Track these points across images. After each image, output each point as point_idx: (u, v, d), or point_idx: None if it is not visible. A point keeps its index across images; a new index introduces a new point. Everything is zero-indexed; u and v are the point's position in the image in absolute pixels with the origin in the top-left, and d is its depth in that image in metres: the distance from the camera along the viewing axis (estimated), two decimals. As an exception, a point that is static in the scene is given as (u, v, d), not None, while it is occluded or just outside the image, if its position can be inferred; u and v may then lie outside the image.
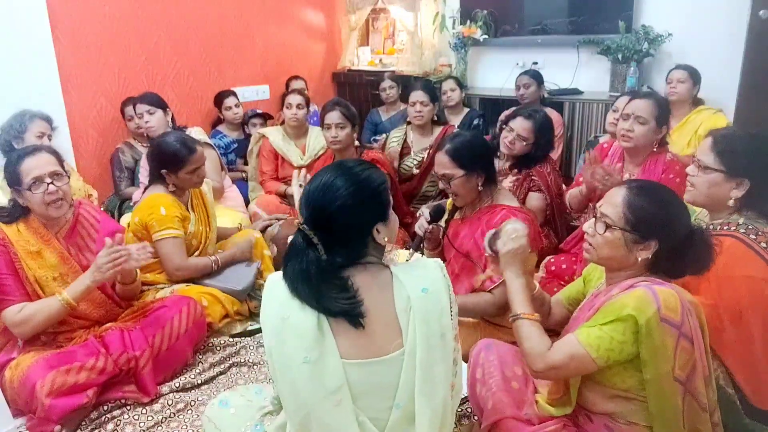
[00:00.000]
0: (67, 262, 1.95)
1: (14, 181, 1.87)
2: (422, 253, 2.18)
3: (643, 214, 1.33)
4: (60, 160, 1.95)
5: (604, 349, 1.27)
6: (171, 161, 2.33)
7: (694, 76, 3.21)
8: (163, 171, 2.35)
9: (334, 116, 2.90)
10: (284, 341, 1.12)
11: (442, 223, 2.15)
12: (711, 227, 1.62)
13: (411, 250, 2.12)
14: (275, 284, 1.19)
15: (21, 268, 1.87)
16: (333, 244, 1.16)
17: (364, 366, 1.13)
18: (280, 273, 1.21)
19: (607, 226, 1.37)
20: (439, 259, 1.27)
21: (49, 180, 1.86)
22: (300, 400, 1.12)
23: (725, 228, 1.60)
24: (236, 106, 3.97)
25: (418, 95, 3.29)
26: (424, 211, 2.09)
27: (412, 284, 1.18)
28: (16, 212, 1.91)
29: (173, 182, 2.38)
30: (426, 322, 1.15)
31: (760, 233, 1.55)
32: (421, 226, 2.07)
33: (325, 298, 1.13)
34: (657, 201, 1.35)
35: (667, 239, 1.33)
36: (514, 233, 1.50)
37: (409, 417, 1.16)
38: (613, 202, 1.38)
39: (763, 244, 1.53)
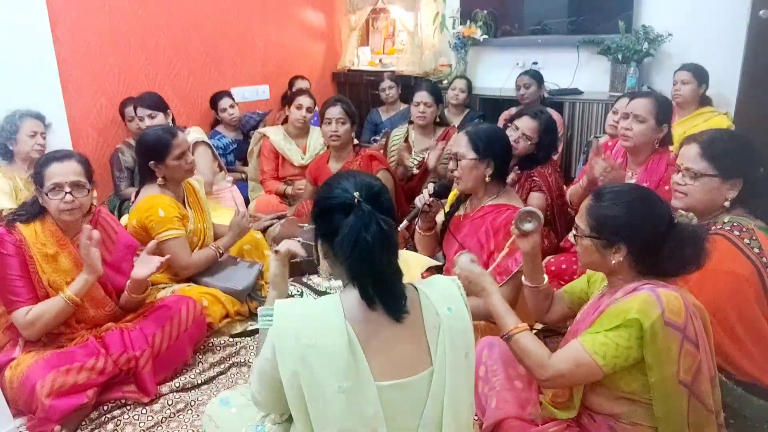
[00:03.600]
0: (80, 268, 1.94)
1: (38, 181, 1.88)
2: (414, 230, 2.18)
3: (604, 219, 1.37)
4: (88, 171, 1.94)
5: (610, 356, 1.28)
6: (156, 150, 2.33)
7: (699, 76, 3.20)
8: (151, 163, 2.34)
9: (335, 111, 2.90)
10: (312, 368, 1.06)
11: (446, 213, 2.15)
12: None
13: (405, 221, 2.09)
14: (290, 309, 1.13)
15: (35, 271, 1.87)
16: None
17: (395, 387, 1.11)
18: (289, 299, 1.18)
19: (576, 236, 1.42)
20: (455, 277, 1.27)
21: (68, 189, 1.85)
22: (336, 427, 1.07)
23: (712, 228, 1.61)
24: (231, 107, 3.95)
25: (422, 96, 3.28)
26: (429, 185, 2.08)
27: (439, 302, 1.17)
28: (35, 210, 1.92)
29: (164, 174, 2.37)
30: (453, 340, 1.15)
31: (744, 230, 1.57)
32: (422, 198, 2.06)
33: (394, 275, 1.12)
34: (618, 204, 1.36)
35: (635, 240, 1.34)
36: (458, 269, 1.58)
37: None
38: (581, 211, 1.42)
39: (747, 240, 1.55)
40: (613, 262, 1.36)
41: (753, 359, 1.55)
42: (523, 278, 1.67)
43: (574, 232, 1.44)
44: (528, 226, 1.57)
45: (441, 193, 2.09)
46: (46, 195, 1.85)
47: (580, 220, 1.42)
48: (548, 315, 1.70)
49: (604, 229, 1.36)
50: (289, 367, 1.07)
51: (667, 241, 1.33)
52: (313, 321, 1.10)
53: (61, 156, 1.91)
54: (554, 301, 1.70)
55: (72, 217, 1.89)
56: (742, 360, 1.55)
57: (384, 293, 1.10)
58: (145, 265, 1.98)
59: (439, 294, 1.19)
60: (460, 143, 2.00)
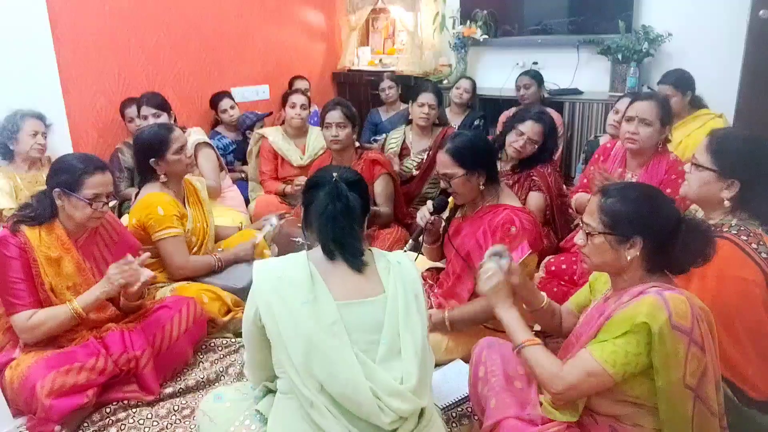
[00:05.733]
0: (82, 273, 1.95)
1: (71, 184, 1.86)
2: (421, 245, 2.19)
3: (618, 214, 1.35)
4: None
5: (620, 363, 1.27)
6: (154, 146, 2.34)
7: (680, 86, 3.11)
8: (152, 161, 2.35)
9: (335, 115, 2.88)
10: (283, 293, 1.30)
11: (445, 215, 2.15)
12: None
13: (411, 241, 2.11)
14: (264, 263, 1.39)
15: (38, 275, 1.86)
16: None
17: (352, 306, 1.32)
18: (264, 259, 1.46)
19: (589, 234, 1.39)
20: (411, 253, 1.45)
21: (105, 200, 1.91)
22: (303, 334, 1.27)
23: (717, 230, 1.60)
24: (231, 108, 3.96)
25: (428, 97, 3.26)
26: (428, 203, 2.09)
27: (390, 256, 1.44)
28: (47, 214, 1.90)
29: (165, 170, 2.37)
30: (402, 279, 1.38)
31: (751, 234, 1.55)
32: (423, 216, 2.07)
33: (352, 237, 1.36)
34: (631, 199, 1.36)
35: (651, 234, 1.33)
36: (487, 273, 1.54)
37: (395, 351, 1.32)
38: (591, 210, 1.40)
39: (754, 245, 1.53)
40: (629, 258, 1.34)
41: (757, 367, 1.54)
42: (524, 306, 1.67)
43: (586, 230, 1.40)
44: (503, 262, 1.55)
45: (441, 208, 2.09)
46: (83, 201, 1.86)
47: (591, 219, 1.39)
48: (563, 329, 1.69)
49: (619, 224, 1.34)
50: (264, 299, 1.31)
51: (679, 235, 1.33)
52: (282, 263, 1.37)
53: (102, 166, 1.94)
54: (564, 316, 1.69)
55: (98, 223, 1.98)
56: (747, 369, 1.54)
57: (344, 250, 1.36)
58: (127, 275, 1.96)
59: (390, 254, 1.45)
60: (446, 164, 2.01)
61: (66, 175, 1.88)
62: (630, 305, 1.30)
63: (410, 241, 2.13)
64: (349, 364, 1.26)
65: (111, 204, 1.97)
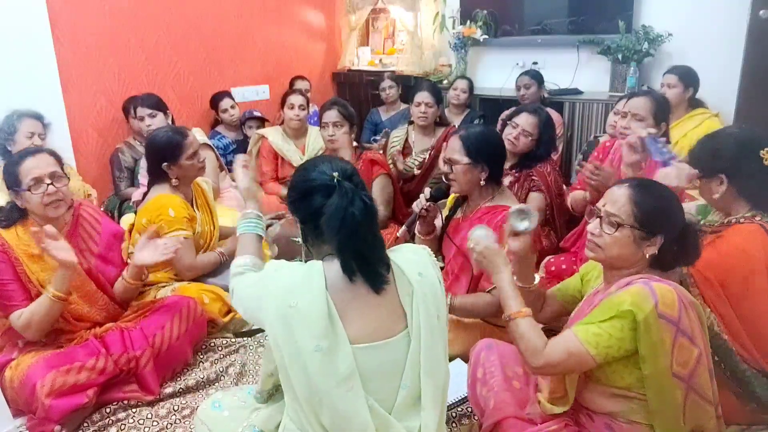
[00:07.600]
0: None
1: (13, 182, 1.85)
2: (414, 235, 2.18)
3: (650, 210, 1.35)
4: (60, 162, 1.93)
5: (603, 346, 1.28)
6: (169, 151, 2.33)
7: (686, 80, 3.15)
8: (164, 165, 2.34)
9: (331, 115, 2.89)
10: (293, 330, 1.13)
11: (445, 213, 2.15)
12: (729, 221, 1.65)
13: (404, 227, 2.10)
14: (277, 271, 1.20)
15: (23, 272, 1.86)
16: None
17: (371, 349, 1.16)
18: (279, 261, 1.24)
19: (619, 225, 1.37)
20: (424, 246, 1.33)
21: (48, 181, 1.84)
22: (312, 387, 1.13)
23: (741, 221, 1.63)
24: (232, 107, 3.97)
25: (424, 96, 3.27)
26: (425, 190, 2.08)
27: (410, 269, 1.23)
28: (14, 215, 1.90)
29: (177, 174, 2.36)
30: (425, 304, 1.20)
31: None
32: (419, 202, 2.05)
33: (377, 246, 1.18)
34: (659, 197, 1.38)
35: (670, 233, 1.36)
36: (470, 243, 1.56)
37: (414, 397, 1.21)
38: (618, 201, 1.38)
39: None
40: (647, 255, 1.36)
41: (744, 332, 1.57)
42: (515, 278, 1.67)
43: (612, 220, 1.37)
44: (523, 226, 1.53)
45: (438, 196, 2.09)
46: (27, 192, 1.82)
47: (616, 209, 1.37)
48: (541, 314, 1.70)
49: (650, 220, 1.34)
50: (273, 330, 1.15)
51: (685, 234, 1.37)
52: (297, 285, 1.16)
53: (31, 152, 1.90)
54: (547, 300, 1.70)
55: (57, 211, 1.88)
56: (745, 340, 1.57)
57: (367, 265, 1.16)
58: (149, 251, 1.98)
59: (409, 260, 1.25)
60: (455, 148, 2.01)
61: (6, 175, 1.88)
62: (618, 293, 1.32)
63: (403, 227, 2.10)
64: (362, 418, 1.14)
65: (64, 186, 1.87)
